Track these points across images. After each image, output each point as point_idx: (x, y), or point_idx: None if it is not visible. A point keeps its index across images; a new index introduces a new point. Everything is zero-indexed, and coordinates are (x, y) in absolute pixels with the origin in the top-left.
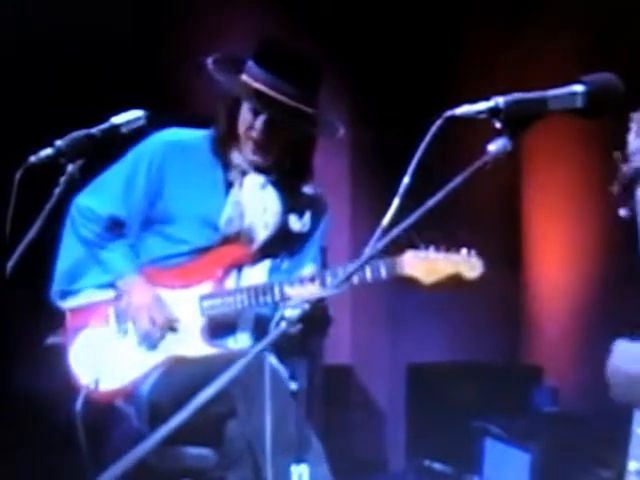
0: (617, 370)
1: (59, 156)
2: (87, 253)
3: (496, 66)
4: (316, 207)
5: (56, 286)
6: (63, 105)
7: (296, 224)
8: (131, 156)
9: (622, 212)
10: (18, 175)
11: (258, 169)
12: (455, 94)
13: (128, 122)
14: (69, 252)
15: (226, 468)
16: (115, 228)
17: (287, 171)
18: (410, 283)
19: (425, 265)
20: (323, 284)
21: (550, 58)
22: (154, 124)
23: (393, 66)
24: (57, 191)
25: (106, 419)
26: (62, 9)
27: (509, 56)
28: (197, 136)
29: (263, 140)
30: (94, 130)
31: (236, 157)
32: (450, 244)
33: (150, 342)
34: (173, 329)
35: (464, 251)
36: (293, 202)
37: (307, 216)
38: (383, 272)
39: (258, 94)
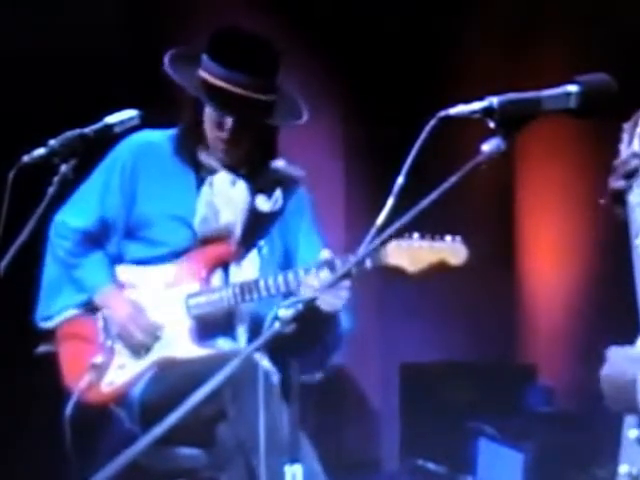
0: (607, 378)
1: (52, 156)
2: (61, 273)
3: (492, 66)
4: (287, 182)
5: (38, 310)
6: (56, 105)
7: (265, 204)
8: (103, 165)
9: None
10: (11, 175)
11: (228, 166)
12: (451, 93)
13: (122, 122)
14: (47, 274)
15: (219, 469)
16: (90, 241)
17: (258, 161)
18: (395, 273)
19: (409, 254)
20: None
21: (549, 58)
22: (148, 124)
23: (388, 65)
24: (50, 191)
25: (97, 422)
26: (58, 8)
27: (506, 56)
28: (166, 136)
29: (234, 140)
30: (87, 130)
31: (204, 156)
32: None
33: (140, 351)
34: (158, 336)
35: (448, 238)
36: (260, 183)
37: (277, 193)
38: (368, 262)
39: (216, 91)
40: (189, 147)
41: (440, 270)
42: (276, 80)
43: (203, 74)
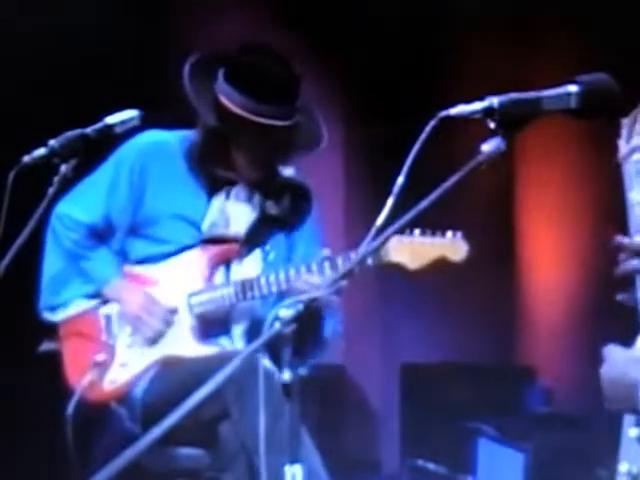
0: (606, 378)
1: (53, 156)
2: (69, 264)
3: (492, 66)
4: (296, 190)
5: (43, 300)
6: (57, 105)
7: (273, 209)
8: (112, 162)
9: (619, 297)
10: (12, 175)
11: (247, 181)
12: (451, 93)
13: (122, 122)
14: (51, 264)
15: (220, 469)
16: (96, 235)
17: (273, 174)
18: (396, 269)
19: (410, 250)
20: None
21: (549, 59)
22: (148, 124)
23: (388, 65)
24: (51, 191)
25: (98, 420)
26: (58, 8)
27: (507, 57)
28: (177, 137)
29: (257, 162)
30: (88, 130)
31: (220, 170)
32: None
33: (157, 339)
34: (173, 321)
35: (449, 234)
36: (270, 189)
37: (286, 199)
38: (369, 260)
39: (240, 121)
40: (204, 161)
41: (441, 266)
42: (298, 104)
43: (225, 101)
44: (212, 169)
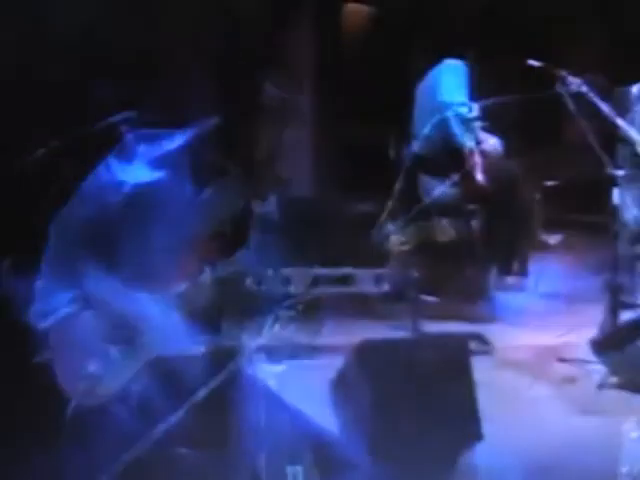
0: None
1: (55, 156)
2: (58, 271)
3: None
4: (281, 187)
5: (33, 307)
6: (60, 106)
7: (259, 206)
8: (107, 163)
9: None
10: (14, 175)
11: (243, 169)
12: None
13: (123, 122)
14: (44, 273)
15: (220, 469)
16: (90, 237)
17: (263, 165)
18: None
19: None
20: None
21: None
22: (148, 124)
23: (387, 65)
24: (53, 191)
25: (97, 423)
26: (57, 8)
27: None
28: (173, 134)
29: (262, 142)
30: (89, 131)
31: (219, 159)
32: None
33: (131, 353)
34: (142, 338)
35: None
36: (258, 185)
37: (272, 198)
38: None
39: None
40: (204, 149)
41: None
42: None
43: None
44: (209, 154)
